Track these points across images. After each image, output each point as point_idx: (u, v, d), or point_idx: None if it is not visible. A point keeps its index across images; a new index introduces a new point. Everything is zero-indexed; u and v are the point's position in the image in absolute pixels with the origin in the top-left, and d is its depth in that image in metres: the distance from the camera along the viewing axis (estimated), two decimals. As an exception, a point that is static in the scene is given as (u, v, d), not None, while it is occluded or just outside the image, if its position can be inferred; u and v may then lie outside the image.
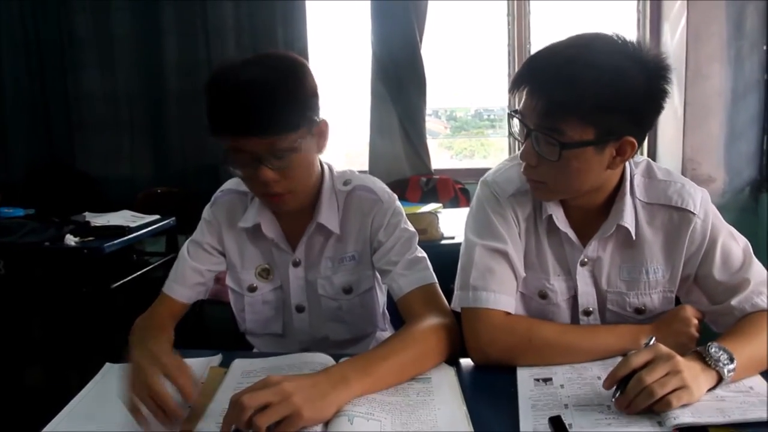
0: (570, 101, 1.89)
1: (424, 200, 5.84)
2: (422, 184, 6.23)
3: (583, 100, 1.88)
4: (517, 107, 2.06)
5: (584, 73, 1.87)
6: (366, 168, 6.36)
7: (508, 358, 2.07)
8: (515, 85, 2.00)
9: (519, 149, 2.11)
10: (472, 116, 7.34)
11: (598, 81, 1.87)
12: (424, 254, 2.45)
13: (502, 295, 2.14)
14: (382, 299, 2.68)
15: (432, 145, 6.53)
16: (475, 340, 2.11)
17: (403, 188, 6.20)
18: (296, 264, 2.53)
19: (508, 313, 2.14)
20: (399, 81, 6.17)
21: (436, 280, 2.38)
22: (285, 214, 2.47)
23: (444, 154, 7.33)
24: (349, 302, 2.55)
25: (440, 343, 2.13)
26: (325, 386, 1.78)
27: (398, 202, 2.53)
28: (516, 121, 2.06)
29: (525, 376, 1.98)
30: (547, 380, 1.94)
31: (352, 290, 2.53)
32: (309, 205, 2.46)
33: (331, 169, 2.55)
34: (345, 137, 7.04)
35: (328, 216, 2.45)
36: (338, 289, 2.53)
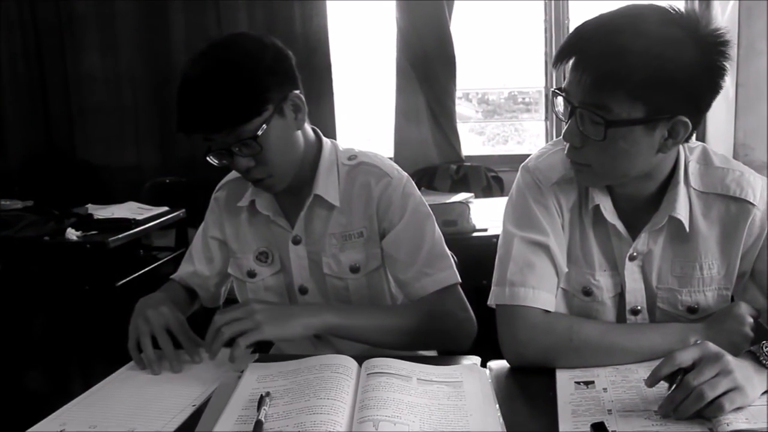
0: (617, 74, 1.86)
1: (454, 189, 5.85)
2: (452, 172, 6.24)
3: (632, 73, 1.85)
4: (561, 84, 2.05)
5: (633, 43, 1.85)
6: (391, 154, 6.36)
7: (546, 359, 2.05)
8: (559, 57, 1.98)
9: (562, 132, 2.08)
10: (506, 99, 7.34)
11: (648, 52, 1.84)
12: (441, 239, 2.48)
13: (542, 292, 2.12)
14: (390, 279, 2.69)
15: (462, 130, 6.55)
16: (510, 340, 2.10)
17: (431, 176, 6.21)
18: (297, 241, 2.54)
19: (547, 311, 2.12)
20: (426, 61, 6.17)
21: (459, 280, 2.42)
22: (281, 191, 2.50)
23: (475, 140, 7.34)
24: (356, 282, 2.55)
25: (436, 325, 2.29)
26: (295, 310, 2.29)
27: (411, 182, 2.55)
28: (560, 100, 2.04)
29: (564, 379, 1.97)
30: (588, 383, 1.93)
31: (359, 269, 2.53)
32: (307, 179, 2.50)
33: (335, 144, 2.59)
34: (368, 122, 7.04)
35: (325, 188, 2.48)
36: (345, 268, 2.53)
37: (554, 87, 2.06)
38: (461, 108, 6.84)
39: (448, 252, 2.48)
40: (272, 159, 2.30)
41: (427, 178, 6.27)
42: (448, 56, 6.17)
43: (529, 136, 7.28)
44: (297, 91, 2.35)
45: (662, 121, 1.93)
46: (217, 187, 2.70)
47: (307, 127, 2.49)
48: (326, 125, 6.31)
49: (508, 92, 7.32)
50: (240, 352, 2.10)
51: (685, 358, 1.73)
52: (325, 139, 2.57)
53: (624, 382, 1.91)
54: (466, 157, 6.44)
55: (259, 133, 2.23)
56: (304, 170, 2.47)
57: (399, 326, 2.33)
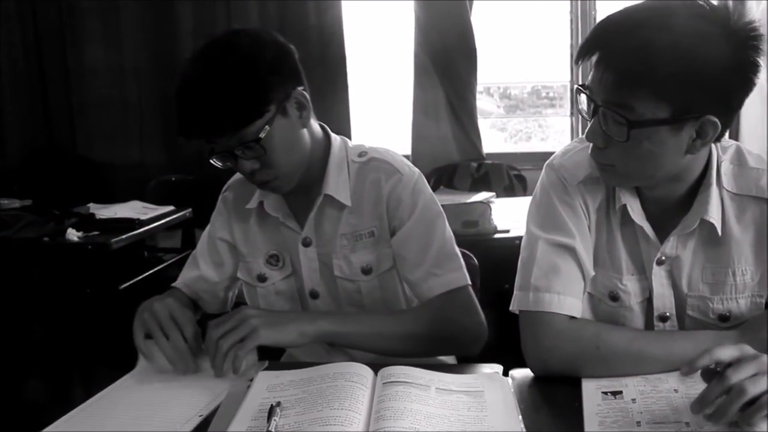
0: (640, 71, 1.85)
1: (475, 188, 5.81)
2: (472, 170, 6.24)
3: (656, 70, 1.84)
4: (585, 81, 2.03)
5: (659, 38, 1.84)
6: (408, 152, 6.36)
7: (571, 368, 2.04)
8: (582, 53, 1.97)
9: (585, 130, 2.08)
10: (529, 94, 7.35)
11: (675, 48, 1.83)
12: (451, 239, 2.49)
13: (567, 297, 2.11)
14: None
15: (483, 126, 6.55)
16: (534, 348, 2.10)
17: (450, 175, 6.22)
18: (307, 243, 2.55)
19: (573, 318, 2.11)
20: (446, 54, 6.17)
21: (470, 282, 2.42)
22: (290, 192, 2.51)
23: (497, 137, 7.35)
24: (368, 284, 2.55)
25: (441, 330, 2.31)
26: (291, 316, 2.35)
27: (423, 179, 2.55)
28: (583, 97, 2.03)
29: (591, 389, 1.96)
30: (616, 394, 1.92)
31: (371, 270, 2.53)
32: (316, 179, 2.50)
33: (345, 141, 2.60)
34: (385, 117, 7.04)
35: (336, 187, 2.48)
36: (356, 270, 2.54)
37: (579, 83, 2.05)
38: (482, 103, 6.85)
39: (459, 253, 2.48)
40: (277, 161, 2.31)
41: (446, 177, 6.27)
42: (469, 49, 6.17)
43: (554, 133, 7.29)
44: (301, 88, 2.36)
45: (689, 121, 1.91)
46: (224, 188, 2.70)
47: (314, 124, 2.50)
48: (341, 120, 6.34)
49: (531, 86, 7.32)
50: (240, 362, 2.12)
51: (725, 353, 1.71)
52: (333, 136, 2.58)
53: (654, 392, 1.90)
54: (487, 154, 6.44)
55: (262, 135, 2.24)
56: (312, 169, 2.48)
57: (401, 333, 2.35)
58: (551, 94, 7.28)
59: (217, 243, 2.65)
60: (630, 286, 2.23)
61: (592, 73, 1.97)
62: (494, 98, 7.38)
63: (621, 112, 1.90)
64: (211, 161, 2.33)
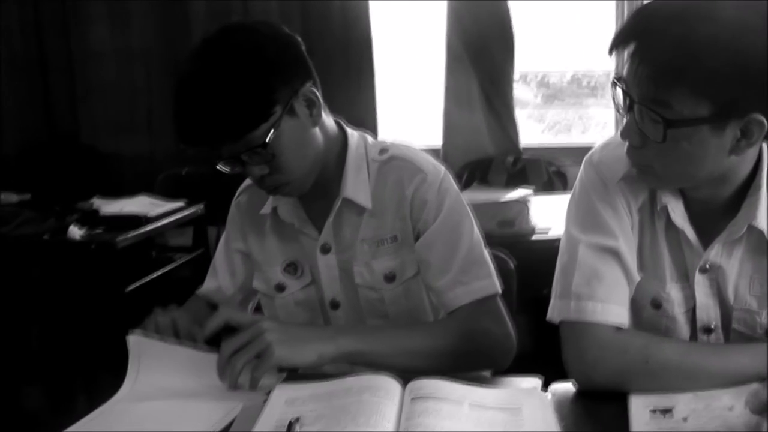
0: (679, 64, 1.81)
1: (511, 185, 5.79)
2: (508, 165, 6.24)
3: (696, 64, 1.80)
4: (621, 72, 2.00)
5: (700, 30, 1.80)
6: (439, 145, 6.36)
7: (618, 382, 2.01)
8: (616, 42, 1.94)
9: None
10: (569, 82, 7.34)
11: (717, 41, 1.79)
12: (480, 242, 2.47)
13: (612, 305, 2.08)
14: None
15: (520, 116, 6.55)
16: (577, 361, 2.07)
17: (484, 170, 6.22)
18: (325, 250, 2.54)
19: (620, 328, 2.08)
20: (481, 39, 6.17)
21: (500, 290, 2.41)
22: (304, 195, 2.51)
23: (534, 128, 7.34)
24: (392, 292, 2.54)
25: (470, 344, 2.28)
26: (309, 334, 2.25)
27: (449, 177, 2.53)
28: (619, 91, 1.99)
29: (639, 406, 1.93)
30: (666, 411, 1.89)
31: (394, 278, 2.52)
32: (333, 180, 2.49)
33: (364, 137, 2.58)
34: (413, 107, 7.04)
35: (355, 188, 2.47)
36: (379, 277, 2.52)
37: (614, 74, 2.01)
38: (519, 92, 6.84)
39: (488, 258, 2.46)
40: (287, 164, 2.31)
41: (480, 172, 6.27)
42: (506, 33, 6.17)
43: (595, 125, 7.28)
44: (309, 83, 2.34)
45: (733, 119, 1.86)
46: (238, 191, 2.70)
47: (328, 120, 2.48)
48: (366, 111, 6.36)
49: (571, 74, 7.31)
50: (257, 382, 2.10)
51: None
52: (350, 132, 2.56)
53: (707, 411, 1.87)
54: (524, 148, 6.44)
55: (269, 139, 2.22)
56: (328, 170, 2.47)
57: (427, 349, 2.32)
58: (593, 83, 7.27)
59: (232, 254, 2.66)
60: (673, 294, 2.21)
61: (627, 64, 1.94)
62: (531, 87, 7.39)
63: (657, 109, 1.86)
64: (218, 167, 2.33)
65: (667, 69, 1.82)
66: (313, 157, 2.40)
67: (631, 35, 1.90)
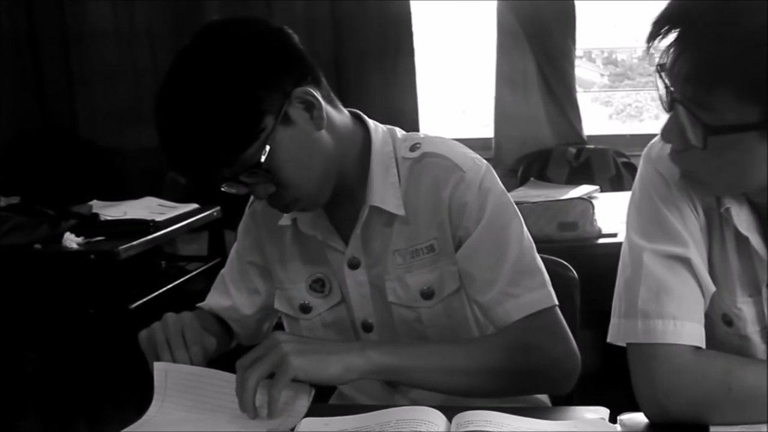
0: (723, 62, 1.76)
1: (574, 181, 5.78)
2: (570, 157, 6.23)
3: (743, 63, 1.74)
4: (666, 58, 1.91)
5: (747, 20, 1.75)
6: (490, 134, 6.35)
7: (697, 413, 1.98)
8: (657, 28, 1.87)
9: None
10: (640, 59, 7.31)
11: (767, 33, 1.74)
12: (531, 247, 2.42)
13: (686, 323, 2.02)
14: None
15: (584, 100, 6.54)
16: (649, 389, 2.02)
17: (543, 163, 6.22)
18: (353, 265, 2.52)
19: (697, 348, 2.02)
20: (537, 12, 6.18)
21: (556, 302, 2.37)
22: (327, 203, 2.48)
23: (600, 113, 7.32)
24: (431, 311, 2.49)
25: (525, 364, 2.25)
26: (333, 347, 2.22)
27: (492, 173, 2.47)
28: (661, 84, 1.93)
29: (721, 440, 1.95)
30: (752, 446, 1.91)
31: (433, 294, 2.48)
32: (358, 183, 2.46)
33: (392, 131, 2.54)
34: (462, 90, 7.03)
35: (383, 194, 2.42)
36: (415, 294, 2.48)
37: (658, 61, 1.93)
38: (582, 71, 6.83)
39: (541, 265, 2.42)
40: (292, 180, 2.28)
41: (537, 166, 6.27)
42: (566, 6, 6.17)
43: (670, 108, 7.25)
44: (305, 81, 2.29)
45: None
46: (251, 199, 2.66)
47: (338, 117, 2.42)
48: (403, 98, 6.23)
49: (642, 50, 7.27)
50: (276, 404, 2.07)
51: None
52: (373, 127, 2.51)
53: (800, 446, 1.87)
54: (588, 137, 6.43)
55: (263, 158, 2.20)
56: (348, 174, 2.44)
57: (473, 366, 2.28)
58: (668, 60, 7.24)
59: (246, 267, 2.65)
60: (745, 310, 2.15)
61: (669, 55, 1.87)
62: (597, 65, 7.37)
63: (697, 112, 1.81)
64: (222, 189, 2.33)
65: (710, 66, 1.76)
66: (324, 166, 2.36)
67: (674, 21, 1.84)
